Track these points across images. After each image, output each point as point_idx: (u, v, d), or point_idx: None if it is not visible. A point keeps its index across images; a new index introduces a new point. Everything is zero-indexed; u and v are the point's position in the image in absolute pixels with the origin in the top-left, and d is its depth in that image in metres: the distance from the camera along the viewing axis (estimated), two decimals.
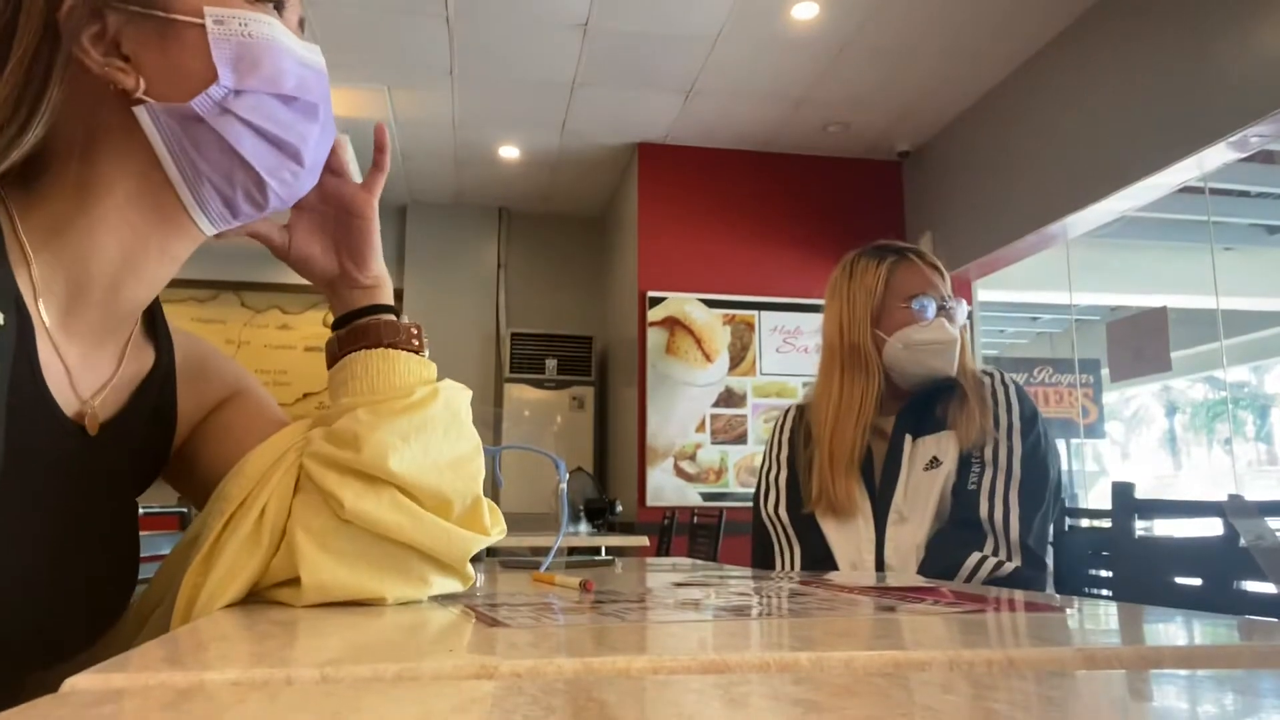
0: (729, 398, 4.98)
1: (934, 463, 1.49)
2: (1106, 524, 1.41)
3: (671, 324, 4.99)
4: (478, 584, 0.93)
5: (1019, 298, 6.06)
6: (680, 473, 4.90)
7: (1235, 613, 1.02)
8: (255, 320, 5.98)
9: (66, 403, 0.68)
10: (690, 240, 5.11)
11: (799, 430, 1.66)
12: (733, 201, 5.19)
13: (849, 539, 1.50)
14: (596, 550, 3.55)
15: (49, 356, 0.67)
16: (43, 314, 0.66)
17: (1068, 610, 0.70)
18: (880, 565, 1.47)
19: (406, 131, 5.05)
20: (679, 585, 0.92)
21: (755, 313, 5.06)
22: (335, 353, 0.80)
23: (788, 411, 1.72)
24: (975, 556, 1.39)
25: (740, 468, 4.93)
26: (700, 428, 4.94)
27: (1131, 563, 1.31)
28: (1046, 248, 4.51)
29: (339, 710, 0.36)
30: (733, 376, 5.00)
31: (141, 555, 0.80)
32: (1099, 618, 0.68)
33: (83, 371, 0.70)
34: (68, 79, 0.65)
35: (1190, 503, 1.31)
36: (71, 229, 0.67)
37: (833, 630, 0.58)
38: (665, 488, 4.86)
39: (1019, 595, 0.82)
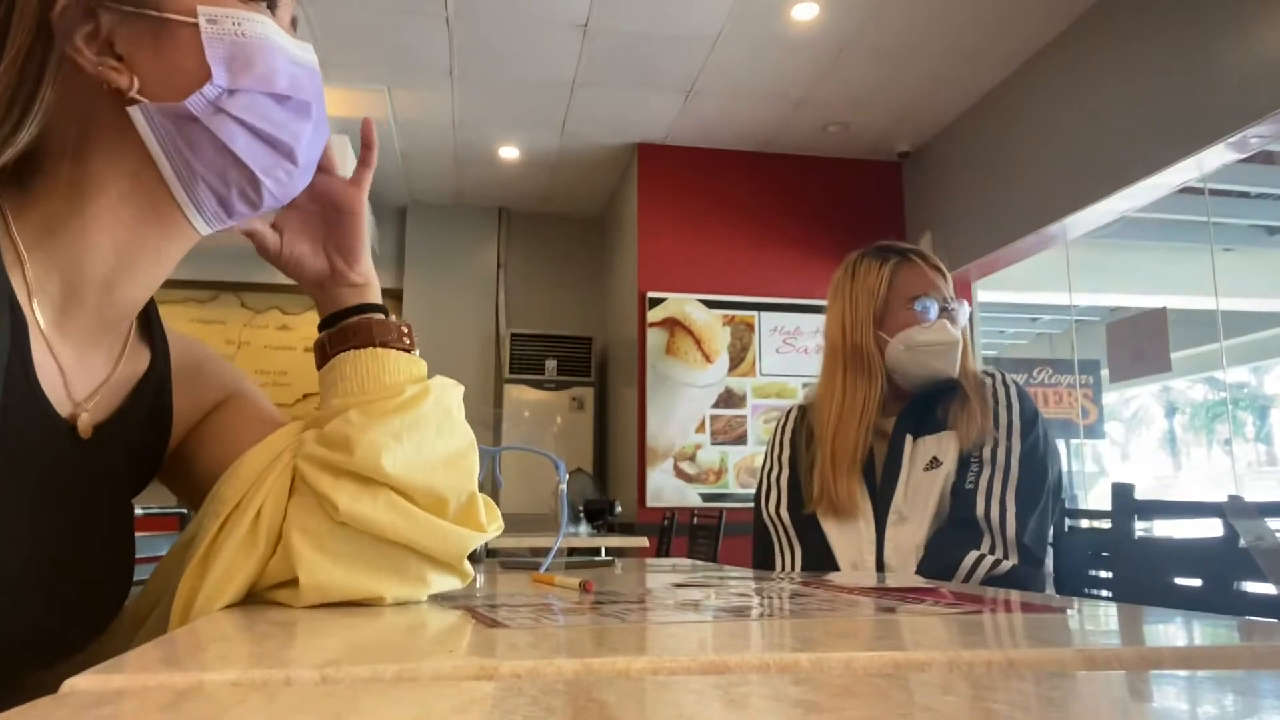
0: (729, 398, 4.98)
1: (934, 463, 1.49)
2: (1106, 525, 1.41)
3: (671, 324, 4.99)
4: (477, 585, 0.93)
5: (1019, 298, 6.06)
6: (680, 473, 4.90)
7: (1235, 613, 1.02)
8: (255, 321, 5.98)
9: (60, 404, 0.68)
10: (690, 241, 5.11)
11: (800, 431, 1.66)
12: (732, 202, 5.19)
13: (850, 539, 1.50)
14: (596, 551, 3.55)
15: (43, 357, 0.67)
16: (37, 314, 0.66)
17: (1067, 611, 0.70)
18: (880, 565, 1.47)
19: (406, 132, 5.05)
20: (679, 586, 0.92)
21: (755, 313, 5.06)
22: (325, 353, 0.79)
23: (789, 412, 1.72)
24: (973, 555, 1.39)
25: (740, 468, 4.93)
26: (700, 428, 4.94)
27: (1131, 563, 1.31)
28: (1046, 248, 4.52)
29: (338, 711, 0.36)
30: (732, 377, 5.00)
31: (140, 556, 0.79)
32: (1099, 618, 0.68)
33: (77, 372, 0.70)
34: (61, 78, 0.65)
35: (1190, 503, 1.31)
36: (65, 229, 0.67)
37: (832, 631, 0.58)
38: (665, 488, 4.86)
39: (1018, 596, 0.82)
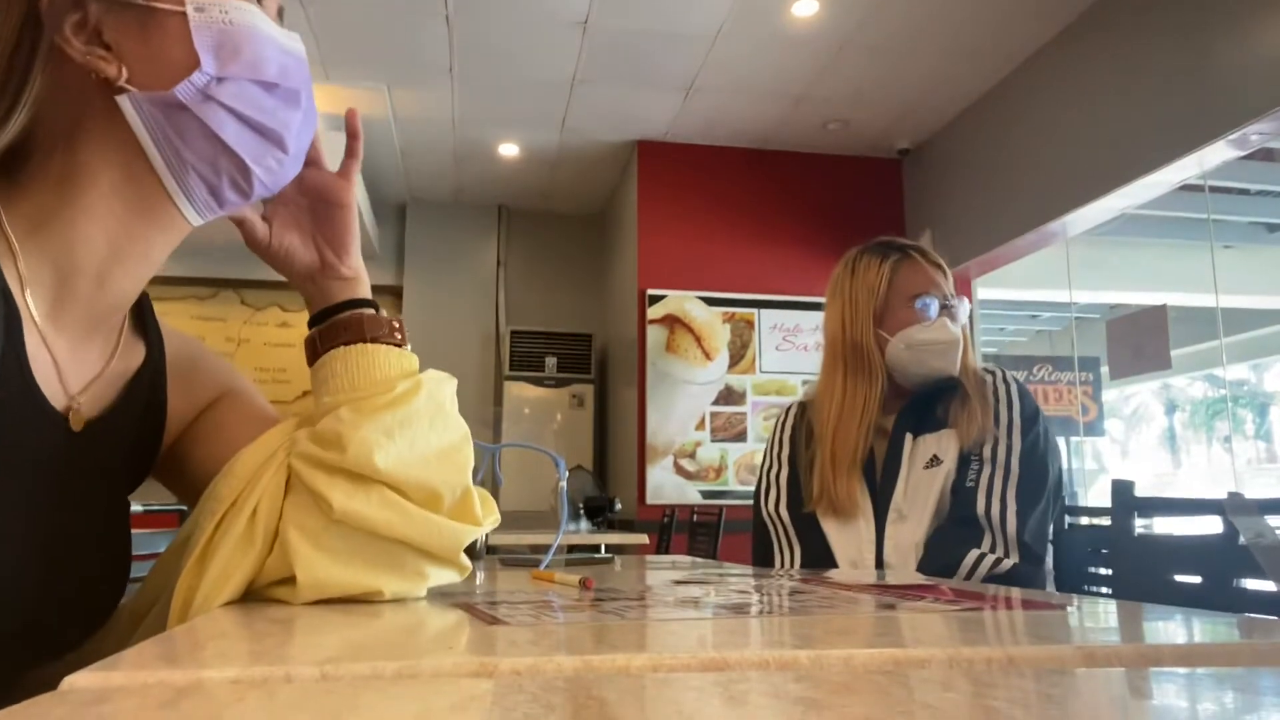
0: (729, 395, 4.98)
1: (934, 461, 1.49)
2: (1106, 522, 1.41)
3: (671, 322, 4.99)
4: (477, 582, 0.93)
5: (1019, 296, 6.07)
6: (680, 470, 4.90)
7: (1235, 610, 1.02)
8: (255, 318, 5.98)
9: (55, 396, 0.68)
10: (690, 238, 5.10)
11: (800, 428, 1.65)
12: (732, 199, 5.19)
13: (849, 538, 1.50)
14: (596, 548, 3.55)
15: (37, 349, 0.66)
16: (30, 306, 0.66)
17: (1067, 608, 0.70)
18: (880, 564, 1.47)
19: (406, 129, 5.04)
20: (678, 583, 0.92)
21: (755, 310, 5.06)
22: (316, 350, 0.79)
23: (789, 409, 1.72)
24: (974, 554, 1.39)
25: (740, 465, 4.93)
26: (700, 425, 4.94)
27: (1131, 561, 1.31)
28: (1046, 245, 4.51)
29: (338, 708, 0.36)
30: (732, 374, 5.00)
31: (139, 554, 0.79)
32: (1098, 615, 0.68)
33: (71, 365, 0.70)
34: (50, 69, 0.65)
35: (1190, 500, 1.31)
36: (57, 220, 0.67)
37: (832, 628, 0.58)
38: (665, 485, 4.86)
39: (1018, 593, 0.82)
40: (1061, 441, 6.32)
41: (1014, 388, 1.52)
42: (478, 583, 0.92)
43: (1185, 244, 5.54)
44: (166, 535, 1.23)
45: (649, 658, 0.45)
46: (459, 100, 4.69)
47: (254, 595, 0.72)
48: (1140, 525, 1.32)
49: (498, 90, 4.60)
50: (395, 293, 6.02)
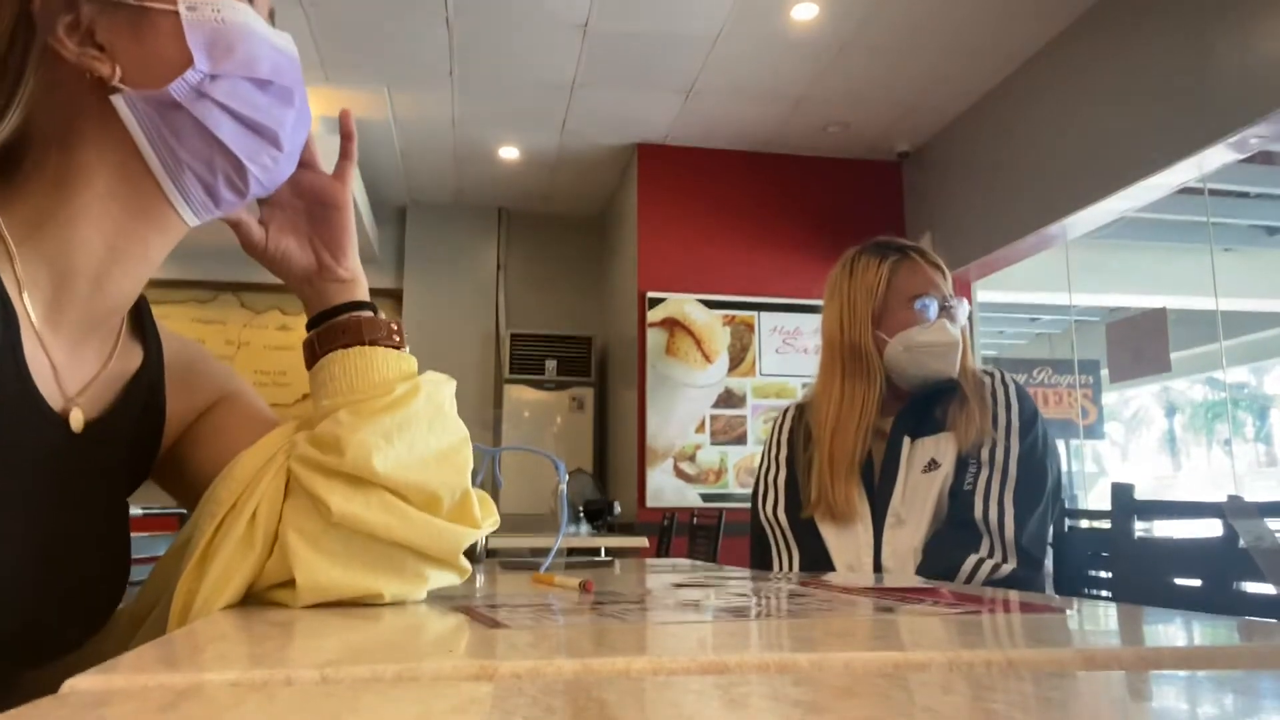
0: (729, 398, 4.98)
1: (932, 465, 1.47)
2: (1106, 525, 1.41)
3: (671, 325, 4.99)
4: (477, 585, 0.93)
5: (1018, 299, 6.07)
6: (680, 473, 4.90)
7: (1235, 613, 1.02)
8: (255, 321, 5.98)
9: (53, 398, 0.68)
10: (690, 241, 5.11)
11: (799, 430, 1.64)
12: (732, 202, 5.19)
13: (848, 544, 1.49)
14: (596, 551, 3.55)
15: (35, 351, 0.66)
16: (28, 308, 0.66)
17: (1067, 611, 0.70)
18: (878, 569, 1.47)
19: (406, 132, 5.05)
20: (678, 586, 0.92)
21: (755, 313, 5.06)
22: (314, 352, 0.79)
23: (787, 411, 1.70)
24: (972, 560, 1.38)
25: (740, 468, 4.93)
26: (700, 428, 4.94)
27: (1131, 563, 1.31)
28: (1046, 248, 4.52)
29: (338, 711, 0.36)
30: (732, 377, 5.00)
31: (139, 557, 0.79)
32: (1098, 618, 0.68)
33: (69, 367, 0.70)
34: (43, 70, 0.65)
35: (1190, 504, 1.31)
36: (53, 221, 0.67)
37: (832, 631, 0.58)
38: (665, 488, 4.86)
39: (1018, 596, 0.82)
40: (1061, 444, 6.33)
41: (1013, 389, 1.51)
42: (478, 586, 0.92)
43: (1185, 247, 5.55)
44: (166, 538, 1.23)
45: (649, 661, 0.45)
46: (459, 102, 4.70)
47: (254, 598, 0.72)
48: (1140, 528, 1.32)
49: (498, 92, 4.60)
50: (395, 295, 6.02)
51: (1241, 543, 1.08)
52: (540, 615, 0.64)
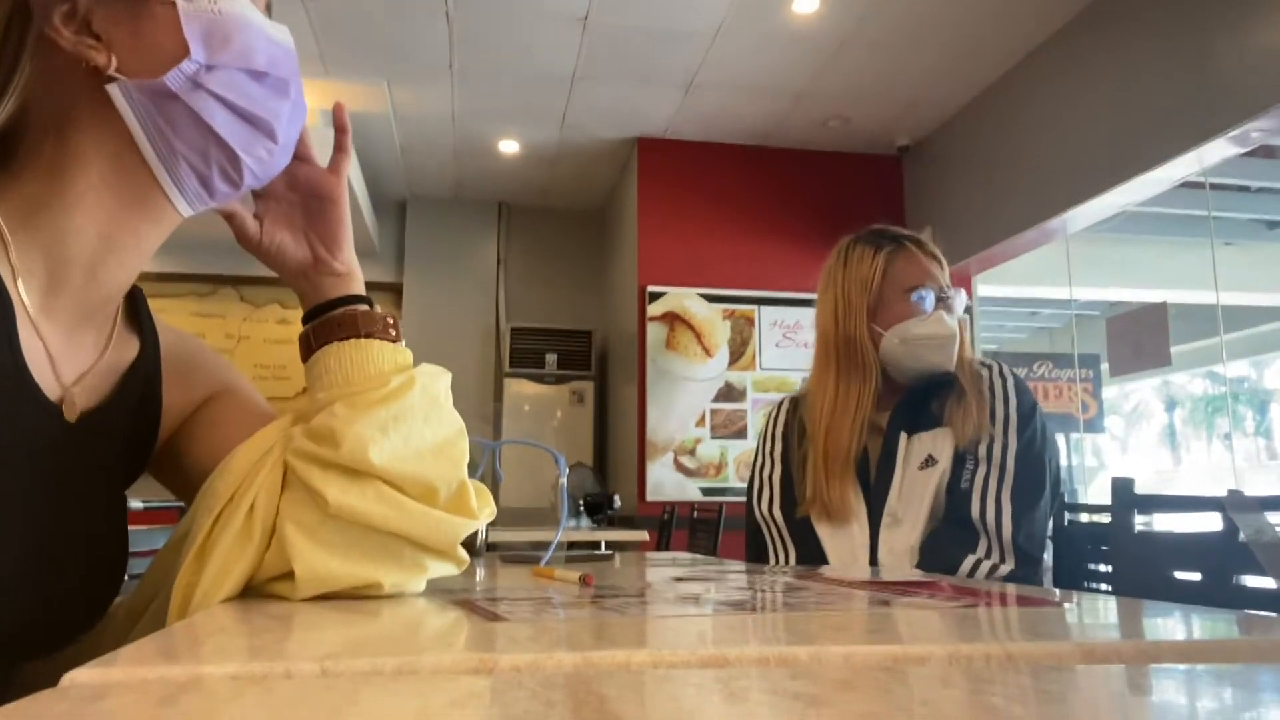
0: (729, 392, 4.98)
1: (929, 461, 1.45)
2: (1106, 519, 1.40)
3: (671, 319, 4.99)
4: (477, 578, 0.93)
5: (1019, 293, 6.07)
6: (680, 467, 4.90)
7: (1234, 607, 1.02)
8: (255, 315, 5.98)
9: (49, 387, 0.68)
10: (690, 235, 5.10)
11: (793, 425, 1.62)
12: (732, 196, 5.19)
13: (843, 543, 1.47)
14: (596, 545, 3.55)
15: (30, 340, 0.66)
16: (23, 296, 0.66)
17: (1067, 605, 0.70)
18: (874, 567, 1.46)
19: (406, 126, 5.04)
20: (678, 580, 0.92)
21: (755, 307, 5.06)
22: (310, 346, 0.79)
23: (780, 404, 1.68)
24: (970, 560, 1.37)
25: (740, 463, 4.93)
26: (700, 422, 4.94)
27: (1131, 558, 1.31)
28: (1046, 243, 4.51)
29: (338, 704, 0.36)
30: (732, 371, 5.00)
31: (138, 550, 0.79)
32: (1098, 612, 0.68)
33: (65, 356, 0.70)
34: (39, 58, 0.65)
35: (1190, 498, 1.31)
36: (47, 210, 0.67)
37: (831, 625, 0.58)
38: (665, 482, 4.86)
39: (1017, 590, 0.82)
40: (1061, 439, 6.33)
41: (1010, 382, 1.49)
42: (478, 579, 0.92)
43: (1185, 241, 5.55)
44: (164, 532, 1.23)
45: (649, 654, 0.45)
46: (459, 96, 4.69)
47: (253, 591, 0.72)
48: (1140, 522, 1.31)
49: (498, 86, 4.60)
50: (395, 289, 6.02)
51: (1241, 537, 1.08)
52: (540, 609, 0.64)
